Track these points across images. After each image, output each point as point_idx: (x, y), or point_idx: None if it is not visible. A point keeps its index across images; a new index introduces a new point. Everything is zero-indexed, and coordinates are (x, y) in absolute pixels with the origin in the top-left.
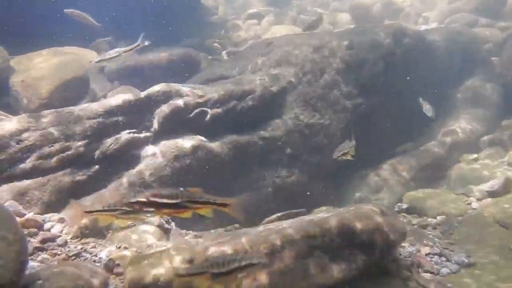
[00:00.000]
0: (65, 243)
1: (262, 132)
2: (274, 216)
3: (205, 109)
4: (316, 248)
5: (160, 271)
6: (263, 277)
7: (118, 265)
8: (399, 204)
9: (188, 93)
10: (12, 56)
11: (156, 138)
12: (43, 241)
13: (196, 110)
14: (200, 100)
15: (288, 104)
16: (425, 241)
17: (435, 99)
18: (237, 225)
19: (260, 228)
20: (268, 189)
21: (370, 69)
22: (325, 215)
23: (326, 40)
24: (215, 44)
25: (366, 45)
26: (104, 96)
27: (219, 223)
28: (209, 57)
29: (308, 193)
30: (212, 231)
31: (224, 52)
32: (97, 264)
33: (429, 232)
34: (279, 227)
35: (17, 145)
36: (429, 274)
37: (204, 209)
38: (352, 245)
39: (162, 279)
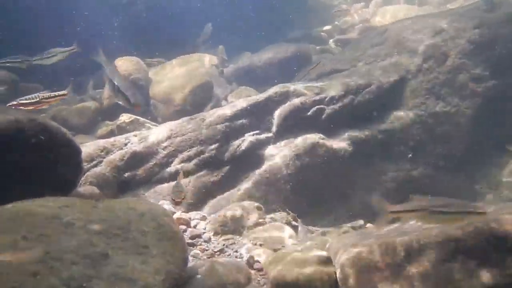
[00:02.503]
0: (209, 239)
1: (381, 125)
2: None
3: (322, 106)
4: (459, 252)
5: (303, 270)
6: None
7: (258, 261)
8: None
9: (304, 91)
10: (149, 68)
11: (276, 138)
12: (192, 237)
13: (314, 108)
14: (316, 98)
15: (408, 94)
16: None
17: None
18: (361, 222)
19: (392, 227)
20: (391, 183)
21: (505, 45)
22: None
23: (449, 20)
24: (322, 34)
25: (498, 19)
26: (225, 98)
27: (343, 219)
28: (317, 47)
29: (435, 186)
30: (333, 228)
31: (331, 40)
32: (239, 260)
33: None
34: (414, 227)
35: (163, 151)
36: None
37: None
38: (503, 249)
39: (304, 278)
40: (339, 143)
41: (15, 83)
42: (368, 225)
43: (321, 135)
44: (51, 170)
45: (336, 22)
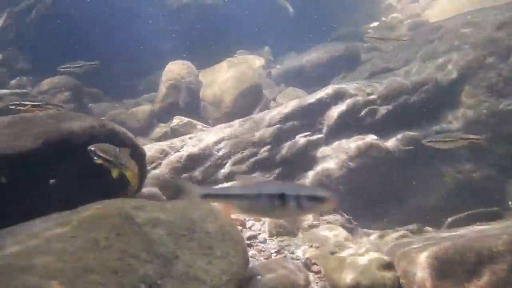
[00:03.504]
0: (265, 241)
1: (438, 125)
2: (462, 215)
3: (375, 107)
4: None
5: (364, 274)
6: None
7: (315, 264)
8: None
9: (356, 92)
10: (199, 70)
11: (328, 140)
12: (249, 238)
13: (366, 109)
14: (369, 98)
15: (467, 93)
16: None
17: None
18: (418, 225)
19: (461, 231)
20: (450, 185)
21: None
22: None
23: None
24: (369, 31)
25: None
26: (274, 100)
27: (398, 222)
28: (364, 45)
29: (498, 189)
30: (389, 231)
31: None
32: (296, 261)
33: None
34: (484, 231)
35: (217, 153)
36: None
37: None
38: None
39: (364, 282)
40: (394, 144)
41: (78, 88)
42: (426, 228)
43: (375, 136)
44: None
45: (383, 18)
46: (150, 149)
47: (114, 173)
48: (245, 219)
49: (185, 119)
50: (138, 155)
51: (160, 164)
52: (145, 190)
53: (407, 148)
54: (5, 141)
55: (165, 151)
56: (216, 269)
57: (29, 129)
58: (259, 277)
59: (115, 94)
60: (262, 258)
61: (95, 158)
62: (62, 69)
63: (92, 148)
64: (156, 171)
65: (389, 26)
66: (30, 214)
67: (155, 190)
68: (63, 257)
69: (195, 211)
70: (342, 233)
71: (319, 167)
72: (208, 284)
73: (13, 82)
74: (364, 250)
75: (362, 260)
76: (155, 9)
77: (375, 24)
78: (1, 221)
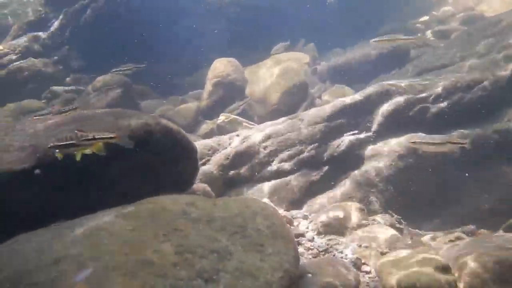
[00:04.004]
0: (312, 239)
1: (495, 124)
2: None
3: (427, 105)
4: None
5: (419, 276)
6: None
7: (365, 263)
8: None
9: (406, 90)
10: (244, 67)
11: (377, 138)
12: (296, 236)
13: (417, 107)
14: (420, 96)
15: None
16: None
17: None
18: (472, 227)
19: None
20: (508, 187)
21: None
22: None
23: None
24: (418, 25)
25: None
26: (319, 97)
27: (451, 223)
28: (411, 37)
29: None
30: (442, 233)
31: (428, 32)
32: (345, 261)
33: None
34: None
35: (264, 151)
36: None
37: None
38: None
39: (419, 285)
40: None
41: (128, 85)
42: (481, 230)
43: (425, 135)
44: (173, 169)
45: (433, 12)
46: (199, 145)
47: (78, 155)
48: (292, 216)
49: (231, 116)
50: (190, 151)
51: (208, 160)
52: (195, 186)
53: (461, 147)
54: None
55: (213, 148)
56: (268, 266)
57: (90, 125)
58: (310, 275)
59: (162, 91)
60: (310, 256)
61: (56, 151)
62: (115, 72)
63: (51, 144)
64: (205, 167)
65: (439, 20)
66: (90, 207)
67: (204, 186)
68: (124, 250)
69: (246, 209)
70: (391, 233)
71: (367, 166)
72: (261, 280)
73: (67, 79)
74: (417, 251)
75: (417, 262)
76: (199, 7)
77: (425, 18)
78: (65, 213)
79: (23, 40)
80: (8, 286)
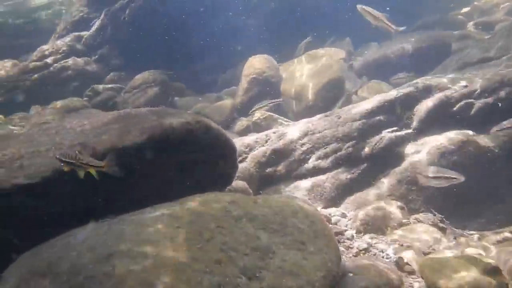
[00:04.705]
0: (352, 237)
1: None
2: None
3: (471, 100)
4: None
5: (467, 279)
6: None
7: (407, 263)
8: None
9: (449, 85)
10: (279, 64)
11: (417, 135)
12: (335, 234)
13: (461, 103)
14: (464, 91)
15: None
16: None
17: None
18: None
19: None
20: None
21: None
22: None
23: None
24: (459, 17)
25: None
26: (356, 93)
27: (497, 222)
28: (455, 33)
29: None
30: (490, 233)
31: (470, 24)
32: (386, 260)
33: None
34: None
35: (301, 148)
36: None
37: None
38: None
39: (467, 287)
40: (493, 140)
41: (166, 83)
42: None
43: (470, 131)
44: (213, 167)
45: (475, 3)
46: (236, 143)
47: (80, 174)
48: (329, 214)
49: (267, 113)
50: (229, 149)
51: (245, 158)
52: (234, 183)
53: (509, 145)
54: (117, 135)
55: (250, 145)
56: (310, 264)
57: (135, 124)
58: (351, 274)
59: (197, 88)
60: (350, 255)
61: (62, 165)
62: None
63: (57, 156)
64: (242, 165)
65: (482, 11)
66: (135, 203)
67: (243, 183)
68: (171, 246)
69: (286, 207)
70: (434, 232)
71: (407, 164)
72: (303, 279)
73: (108, 77)
74: (464, 252)
75: (464, 263)
76: (237, 3)
77: (466, 9)
78: (112, 208)
79: (67, 40)
80: (69, 278)
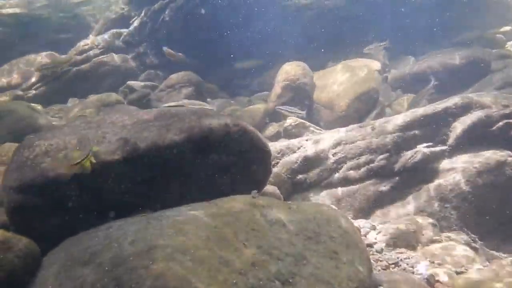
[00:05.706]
0: (381, 250)
1: None
2: None
3: (511, 121)
4: None
5: None
6: None
7: (439, 281)
8: None
9: (489, 103)
10: (314, 72)
11: (453, 152)
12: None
13: (501, 123)
14: (505, 111)
15: None
16: None
17: None
18: None
19: None
20: None
21: None
22: None
23: None
24: (498, 35)
25: None
26: (389, 106)
27: None
28: (493, 50)
29: None
30: None
31: (510, 43)
32: (418, 276)
33: None
34: None
35: (332, 157)
36: None
37: None
38: None
39: None
40: None
41: (200, 84)
42: None
43: (510, 152)
44: (248, 169)
45: None
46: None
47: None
48: (359, 225)
49: (298, 120)
50: (265, 153)
51: (277, 163)
52: (265, 188)
53: None
54: (157, 134)
55: (282, 150)
56: (343, 274)
57: (174, 123)
58: (381, 287)
59: (229, 91)
60: (379, 268)
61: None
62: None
63: None
64: (274, 169)
65: None
66: (173, 200)
67: (274, 188)
68: (208, 245)
69: (319, 215)
70: (467, 252)
71: (441, 180)
72: None
73: (143, 75)
74: (500, 275)
75: (499, 286)
76: (276, 9)
77: (507, 28)
78: (150, 204)
79: (106, 36)
80: (111, 268)
